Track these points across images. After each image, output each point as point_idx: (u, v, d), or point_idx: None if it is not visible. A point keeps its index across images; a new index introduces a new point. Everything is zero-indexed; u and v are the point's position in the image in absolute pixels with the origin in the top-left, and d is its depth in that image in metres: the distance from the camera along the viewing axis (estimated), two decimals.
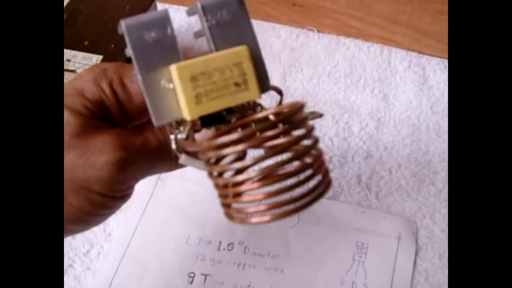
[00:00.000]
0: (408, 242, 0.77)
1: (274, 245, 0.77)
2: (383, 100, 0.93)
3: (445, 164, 0.85)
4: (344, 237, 0.78)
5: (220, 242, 0.77)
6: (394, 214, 0.80)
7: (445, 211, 0.80)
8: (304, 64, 0.97)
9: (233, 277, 0.74)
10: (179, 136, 0.43)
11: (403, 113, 0.91)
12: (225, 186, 0.41)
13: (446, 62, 0.97)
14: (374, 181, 0.84)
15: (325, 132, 0.88)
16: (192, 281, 0.74)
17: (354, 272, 0.75)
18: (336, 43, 1.00)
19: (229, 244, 0.77)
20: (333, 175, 0.83)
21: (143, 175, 0.50)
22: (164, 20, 0.42)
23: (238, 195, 0.40)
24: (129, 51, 0.42)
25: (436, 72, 0.96)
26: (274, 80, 0.94)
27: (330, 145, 0.87)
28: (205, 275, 0.74)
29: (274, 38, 1.01)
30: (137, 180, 0.50)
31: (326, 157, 0.85)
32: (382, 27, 0.99)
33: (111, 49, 0.83)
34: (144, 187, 0.81)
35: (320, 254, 0.76)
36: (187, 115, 0.42)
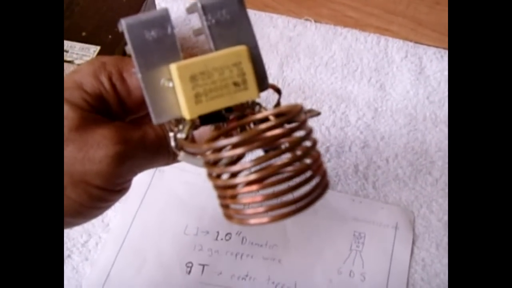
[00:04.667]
0: (405, 231, 0.78)
1: (271, 235, 0.77)
2: (380, 90, 0.93)
3: (442, 153, 0.85)
4: (341, 226, 0.78)
5: (217, 232, 0.77)
6: (391, 204, 0.81)
7: (442, 200, 0.81)
8: (301, 54, 0.97)
9: (231, 267, 0.75)
10: (179, 135, 0.44)
11: (400, 102, 0.92)
12: (224, 187, 0.41)
13: (442, 51, 0.98)
14: (371, 171, 0.84)
15: (322, 122, 0.88)
16: (190, 271, 0.74)
17: (352, 261, 0.76)
18: (333, 33, 1.00)
19: (226, 234, 0.77)
20: (330, 165, 0.84)
21: (141, 168, 0.50)
22: (164, 19, 0.43)
23: (236, 196, 0.41)
24: (129, 50, 0.42)
25: (432, 62, 0.96)
26: (271, 70, 0.94)
27: (327, 135, 0.87)
28: (203, 265, 0.75)
29: (271, 28, 1.01)
30: (135, 173, 0.50)
31: (324, 147, 0.86)
32: (379, 17, 0.99)
33: (109, 40, 0.83)
34: (142, 177, 0.80)
35: (318, 244, 0.77)
36: (186, 114, 0.42)
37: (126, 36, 0.42)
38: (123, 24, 0.42)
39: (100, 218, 0.78)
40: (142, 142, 0.47)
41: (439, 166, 0.84)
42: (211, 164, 0.42)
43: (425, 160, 0.85)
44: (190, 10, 0.45)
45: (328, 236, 0.77)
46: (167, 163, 0.51)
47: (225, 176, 0.42)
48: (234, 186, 0.40)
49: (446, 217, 0.79)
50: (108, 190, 0.48)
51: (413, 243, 0.77)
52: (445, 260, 0.76)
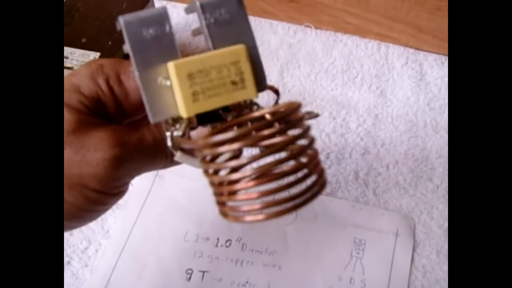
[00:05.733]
0: (406, 238, 0.78)
1: (272, 242, 0.77)
2: (381, 96, 0.93)
3: (443, 160, 0.85)
4: (341, 233, 0.78)
5: (218, 239, 0.77)
6: (391, 210, 0.81)
7: (442, 207, 0.81)
8: (301, 61, 0.97)
9: (231, 274, 0.75)
10: (175, 133, 0.43)
11: (400, 109, 0.92)
12: (220, 184, 0.41)
13: (443, 58, 0.98)
14: (371, 177, 0.84)
15: (323, 129, 0.88)
16: (190, 278, 0.74)
17: (352, 268, 0.75)
18: (334, 39, 1.00)
19: (227, 241, 0.77)
20: (330, 171, 0.84)
21: (138, 172, 0.50)
22: (163, 17, 0.43)
23: (233, 193, 0.41)
24: (127, 48, 0.42)
25: (433, 68, 0.96)
26: (271, 77, 0.94)
27: (328, 141, 0.87)
28: (203, 272, 0.74)
29: (272, 35, 1.01)
30: (132, 177, 0.50)
31: (324, 153, 0.85)
32: (380, 23, 0.99)
33: (109, 46, 0.83)
34: (142, 183, 0.81)
35: (318, 251, 0.77)
36: (183, 113, 0.42)
37: (124, 33, 0.42)
38: (121, 22, 0.42)
39: (100, 224, 0.78)
40: (140, 145, 0.47)
41: (440, 173, 0.84)
42: (208, 161, 0.42)
43: (426, 167, 0.85)
44: (189, 9, 0.45)
45: (329, 243, 0.77)
46: (165, 166, 0.51)
47: (221, 173, 0.41)
48: (230, 183, 0.40)
49: (446, 224, 0.79)
50: (105, 193, 0.48)
51: (414, 249, 0.77)
52: (446, 267, 0.75)
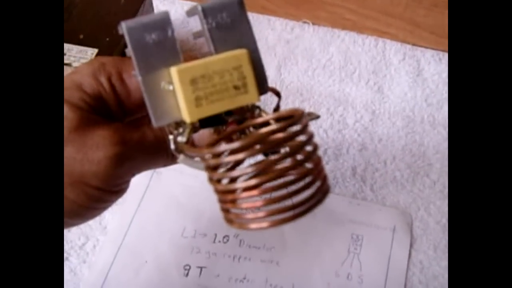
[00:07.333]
0: (403, 234, 0.78)
1: (269, 238, 0.77)
2: (378, 92, 0.93)
3: (440, 155, 0.85)
4: (339, 229, 0.78)
5: (215, 235, 0.77)
6: (389, 206, 0.81)
7: (439, 202, 0.81)
8: (299, 57, 0.97)
9: (229, 270, 0.75)
10: (179, 138, 0.43)
11: (397, 105, 0.92)
12: (225, 192, 0.41)
13: (440, 54, 0.98)
14: (369, 173, 0.84)
15: (320, 125, 0.88)
16: (187, 274, 0.74)
17: (349, 264, 0.75)
18: (331, 35, 1.00)
19: (224, 237, 0.77)
20: (327, 167, 0.84)
21: (139, 170, 0.50)
22: (165, 22, 0.43)
23: (237, 201, 0.41)
24: (129, 52, 0.42)
25: (430, 64, 0.97)
26: (269, 73, 0.93)
27: (325, 137, 0.87)
28: (201, 268, 0.75)
29: (269, 31, 1.01)
30: (133, 174, 0.50)
31: (321, 149, 0.86)
32: (377, 19, 0.99)
33: (107, 43, 0.83)
34: (139, 180, 0.80)
35: (316, 246, 0.77)
36: (187, 118, 0.42)
37: (127, 38, 0.42)
38: (124, 27, 0.42)
39: (97, 220, 0.78)
40: (141, 143, 0.47)
41: (437, 169, 0.84)
42: (212, 169, 0.42)
43: (423, 163, 0.85)
44: (190, 13, 0.45)
45: (326, 239, 0.77)
46: (166, 165, 0.51)
47: (225, 181, 0.41)
48: (234, 191, 0.40)
49: (444, 220, 0.79)
50: (106, 190, 0.48)
51: (411, 245, 0.77)
52: (443, 263, 0.76)
